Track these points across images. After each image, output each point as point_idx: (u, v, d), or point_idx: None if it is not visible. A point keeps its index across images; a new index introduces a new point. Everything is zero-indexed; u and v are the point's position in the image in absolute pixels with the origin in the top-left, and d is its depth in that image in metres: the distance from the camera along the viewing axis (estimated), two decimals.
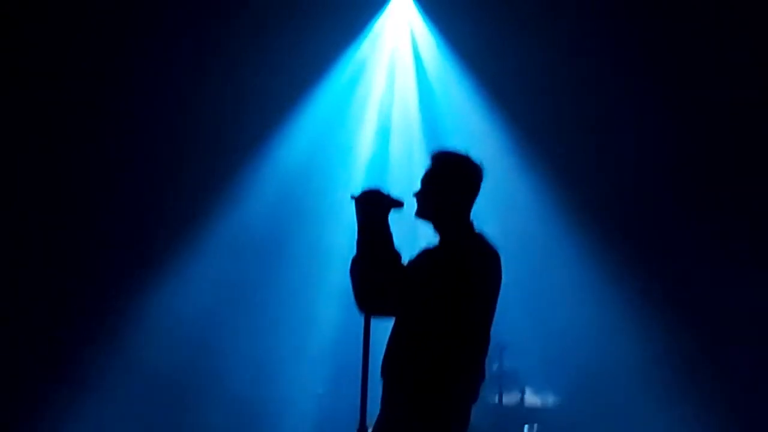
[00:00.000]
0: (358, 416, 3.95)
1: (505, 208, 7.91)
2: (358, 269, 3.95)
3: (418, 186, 4.09)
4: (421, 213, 4.05)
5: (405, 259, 3.99)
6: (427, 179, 4.06)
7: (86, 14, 8.09)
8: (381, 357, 3.96)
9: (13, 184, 8.06)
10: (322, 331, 8.15)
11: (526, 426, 7.43)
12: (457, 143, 8.19)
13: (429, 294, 3.83)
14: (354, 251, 3.98)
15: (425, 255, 4.04)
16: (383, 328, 4.02)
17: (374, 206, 4.00)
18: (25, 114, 8.07)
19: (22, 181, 8.09)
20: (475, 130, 8.62)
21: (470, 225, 4.04)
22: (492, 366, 7.31)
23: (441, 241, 4.04)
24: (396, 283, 3.89)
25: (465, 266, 3.85)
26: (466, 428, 3.90)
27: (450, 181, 4.03)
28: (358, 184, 7.41)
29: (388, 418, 3.89)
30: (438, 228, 4.05)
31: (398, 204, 4.08)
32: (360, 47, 8.79)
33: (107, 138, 8.26)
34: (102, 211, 8.21)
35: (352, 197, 4.05)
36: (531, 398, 7.47)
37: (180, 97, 8.26)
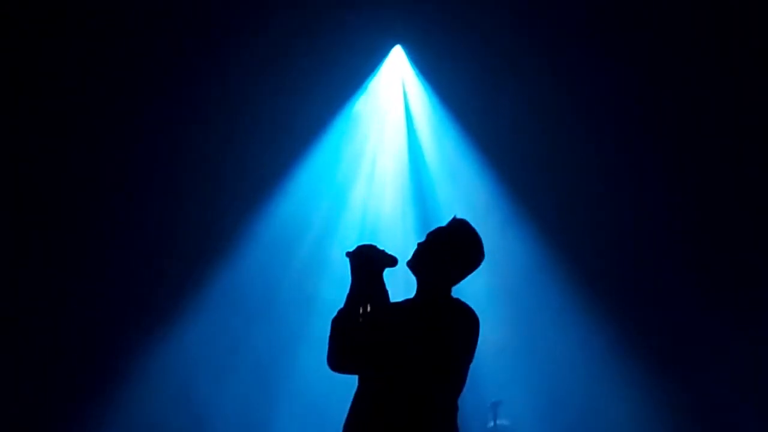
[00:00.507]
0: None
1: (497, 263, 7.92)
2: (342, 323, 3.96)
3: (422, 238, 4.09)
4: (414, 264, 4.04)
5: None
6: (438, 239, 4.05)
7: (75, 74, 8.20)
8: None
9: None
10: (314, 385, 8.10)
11: None
12: (450, 199, 8.40)
13: (413, 355, 3.79)
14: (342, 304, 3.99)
15: (403, 313, 3.99)
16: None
17: (368, 263, 4.02)
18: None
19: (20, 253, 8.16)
20: (467, 185, 8.68)
21: (449, 290, 4.05)
22: (487, 424, 7.26)
23: (422, 301, 4.02)
24: (376, 342, 3.87)
25: (450, 329, 3.85)
26: None
27: (459, 253, 4.03)
28: (352, 241, 7.44)
29: None
30: (422, 285, 4.05)
31: (392, 261, 4.10)
32: (355, 104, 8.88)
33: (108, 198, 8.32)
34: (100, 267, 8.21)
35: (347, 254, 4.07)
36: None
37: (177, 152, 8.32)
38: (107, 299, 8.15)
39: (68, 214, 8.21)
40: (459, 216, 4.14)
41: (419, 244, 4.07)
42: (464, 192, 8.65)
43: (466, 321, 3.92)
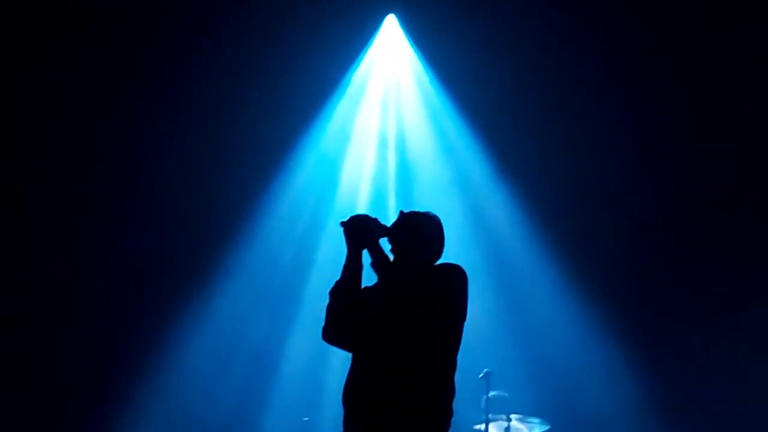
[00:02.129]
0: None
1: (489, 235, 7.93)
2: (338, 293, 3.96)
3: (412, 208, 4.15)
4: (395, 238, 4.06)
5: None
6: (420, 224, 4.09)
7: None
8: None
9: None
10: (309, 358, 8.12)
11: None
12: (443, 171, 8.40)
13: (418, 317, 3.85)
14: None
15: (386, 291, 4.01)
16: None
17: (362, 232, 4.02)
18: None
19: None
20: (460, 157, 8.67)
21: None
22: (481, 396, 7.29)
23: (401, 276, 4.04)
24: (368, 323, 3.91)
25: (454, 283, 3.90)
26: None
27: (435, 242, 4.09)
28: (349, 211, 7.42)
29: None
30: (399, 259, 4.07)
31: (386, 231, 4.09)
32: (348, 75, 8.81)
33: (105, 205, 8.31)
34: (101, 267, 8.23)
35: (341, 223, 4.06)
36: (517, 425, 7.45)
37: (167, 140, 8.30)
38: (119, 284, 8.17)
39: (68, 210, 8.20)
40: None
41: (402, 214, 4.10)
42: (457, 164, 8.64)
43: (463, 276, 3.95)
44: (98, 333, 8.07)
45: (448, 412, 3.90)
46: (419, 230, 4.07)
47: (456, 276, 3.97)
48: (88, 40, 8.13)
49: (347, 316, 3.94)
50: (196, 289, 8.33)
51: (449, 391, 3.90)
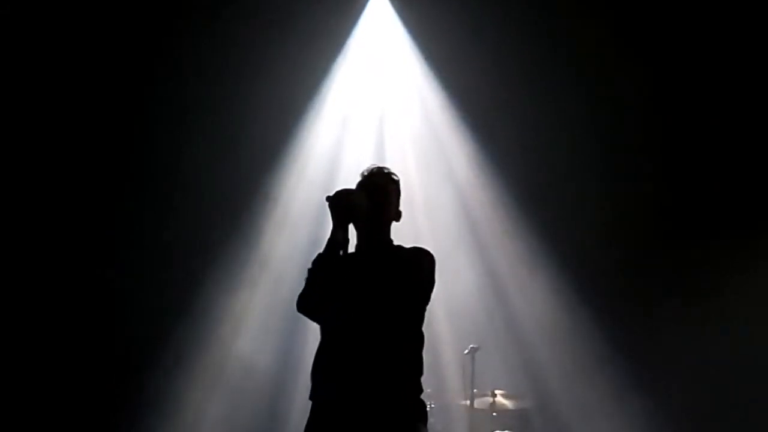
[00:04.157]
0: None
1: (470, 210, 7.95)
2: (320, 266, 4.02)
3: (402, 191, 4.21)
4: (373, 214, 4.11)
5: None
6: (384, 189, 4.16)
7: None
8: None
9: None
10: (302, 337, 8.18)
11: None
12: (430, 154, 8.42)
13: (400, 295, 3.94)
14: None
15: (372, 260, 4.08)
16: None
17: (348, 207, 4.06)
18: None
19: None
20: (446, 141, 8.71)
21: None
22: (465, 370, 7.35)
23: (372, 249, 4.11)
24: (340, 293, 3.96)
25: (425, 267, 4.02)
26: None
27: (390, 192, 4.17)
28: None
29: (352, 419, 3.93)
30: (378, 230, 4.14)
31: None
32: (335, 56, 8.80)
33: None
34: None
35: (327, 198, 4.10)
36: (502, 401, 7.53)
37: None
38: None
39: (70, 211, 8.21)
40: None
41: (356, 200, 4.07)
42: (443, 148, 8.67)
43: (424, 264, 4.06)
44: (97, 331, 8.14)
45: (418, 388, 3.99)
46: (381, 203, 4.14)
47: (428, 260, 4.05)
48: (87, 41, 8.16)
49: (327, 289, 4.00)
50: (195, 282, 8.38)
51: (418, 367, 4.00)
